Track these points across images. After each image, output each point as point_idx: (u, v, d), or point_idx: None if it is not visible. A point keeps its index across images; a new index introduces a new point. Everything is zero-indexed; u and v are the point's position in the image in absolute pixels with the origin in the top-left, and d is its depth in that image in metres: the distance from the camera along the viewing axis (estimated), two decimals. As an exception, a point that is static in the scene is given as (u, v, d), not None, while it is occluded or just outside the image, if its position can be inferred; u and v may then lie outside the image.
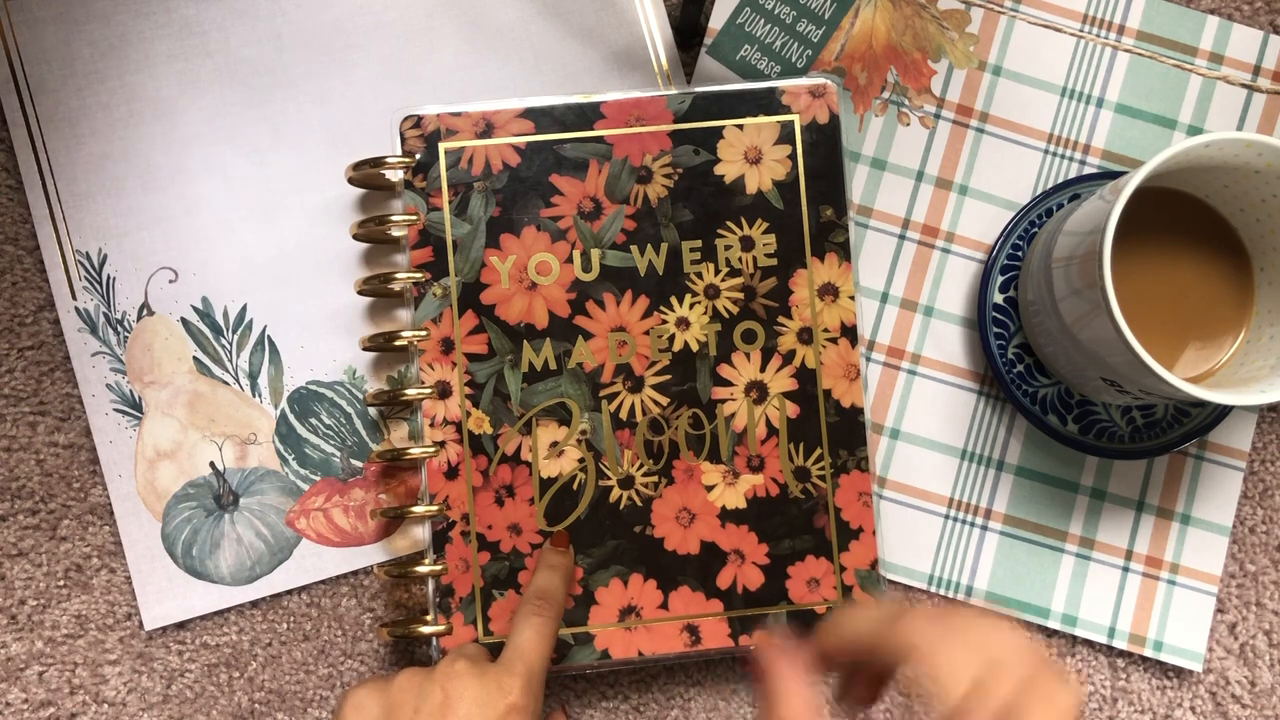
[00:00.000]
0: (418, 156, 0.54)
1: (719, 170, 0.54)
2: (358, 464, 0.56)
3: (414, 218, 0.53)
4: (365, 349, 0.54)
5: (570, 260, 0.54)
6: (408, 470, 0.56)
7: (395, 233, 0.54)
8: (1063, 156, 0.58)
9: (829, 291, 0.54)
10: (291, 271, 0.57)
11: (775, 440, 0.54)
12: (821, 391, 0.54)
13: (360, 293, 0.54)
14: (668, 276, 0.54)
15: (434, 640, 0.53)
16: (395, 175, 0.54)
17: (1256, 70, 0.58)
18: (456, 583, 0.53)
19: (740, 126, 0.54)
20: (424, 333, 0.53)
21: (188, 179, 0.57)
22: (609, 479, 0.54)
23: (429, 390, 0.53)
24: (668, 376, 0.54)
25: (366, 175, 0.54)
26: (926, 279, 0.57)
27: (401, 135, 0.54)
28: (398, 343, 0.53)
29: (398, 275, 0.53)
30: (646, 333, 0.54)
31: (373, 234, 0.54)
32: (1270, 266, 0.51)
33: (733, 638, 0.53)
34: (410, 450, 0.53)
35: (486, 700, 0.45)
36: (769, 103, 0.54)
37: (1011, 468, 0.57)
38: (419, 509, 0.53)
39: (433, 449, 0.53)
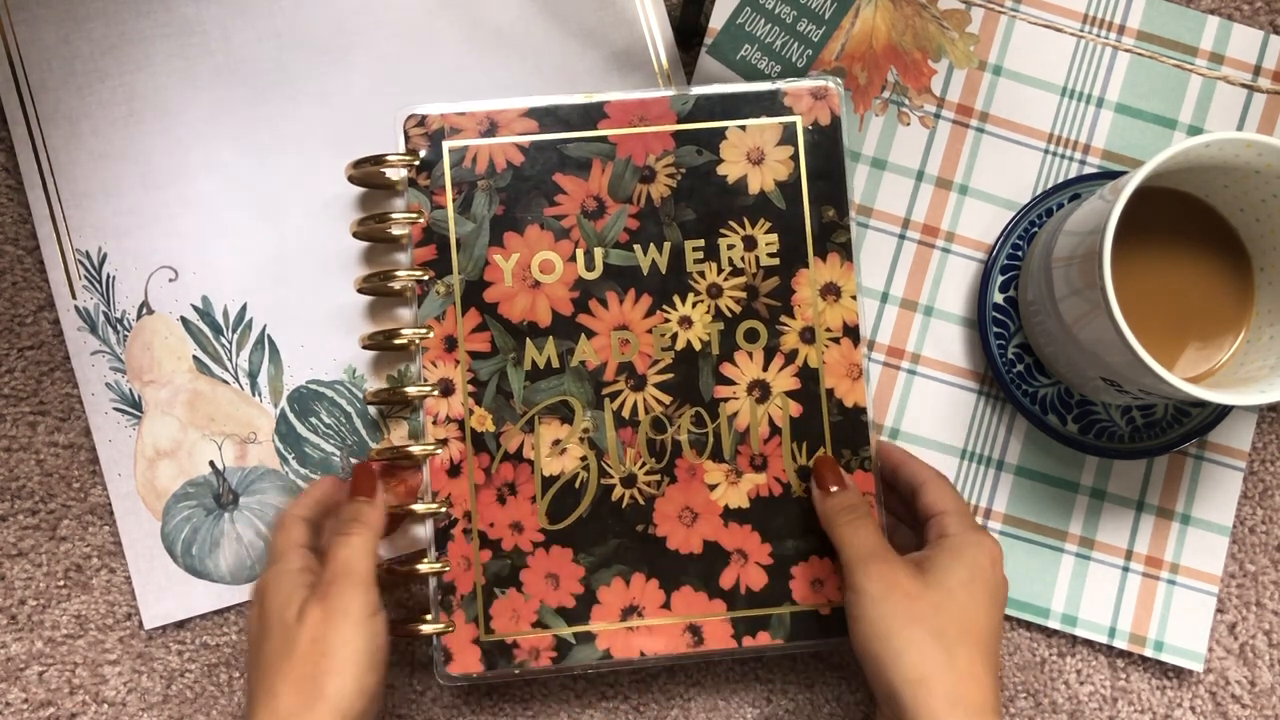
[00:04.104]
0: (421, 154, 0.54)
1: (721, 170, 0.54)
2: (357, 462, 0.56)
3: (415, 215, 0.53)
4: (365, 348, 0.54)
5: (573, 259, 0.54)
6: (408, 470, 0.56)
7: (396, 231, 0.54)
8: (1063, 156, 0.58)
9: (831, 291, 0.54)
10: (291, 270, 0.57)
11: (778, 439, 0.54)
12: (824, 391, 0.54)
13: (360, 291, 0.54)
14: (670, 275, 0.54)
15: (435, 639, 0.53)
16: (397, 173, 0.54)
17: (1257, 70, 0.58)
18: (458, 580, 0.53)
19: (743, 127, 0.55)
20: (425, 330, 0.53)
21: (188, 178, 0.57)
22: (611, 477, 0.54)
23: (429, 388, 0.53)
24: (670, 375, 0.54)
25: (366, 173, 0.54)
26: (926, 279, 0.57)
27: (405, 133, 0.54)
28: (398, 341, 0.53)
29: (399, 273, 0.53)
30: (649, 331, 0.54)
31: (373, 232, 0.54)
32: (1270, 266, 0.51)
33: (735, 639, 0.53)
34: (411, 448, 0.53)
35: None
36: (771, 104, 0.55)
37: (1011, 467, 0.57)
38: (420, 507, 0.53)
39: (432, 446, 0.53)
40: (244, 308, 0.57)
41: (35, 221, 0.57)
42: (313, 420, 0.56)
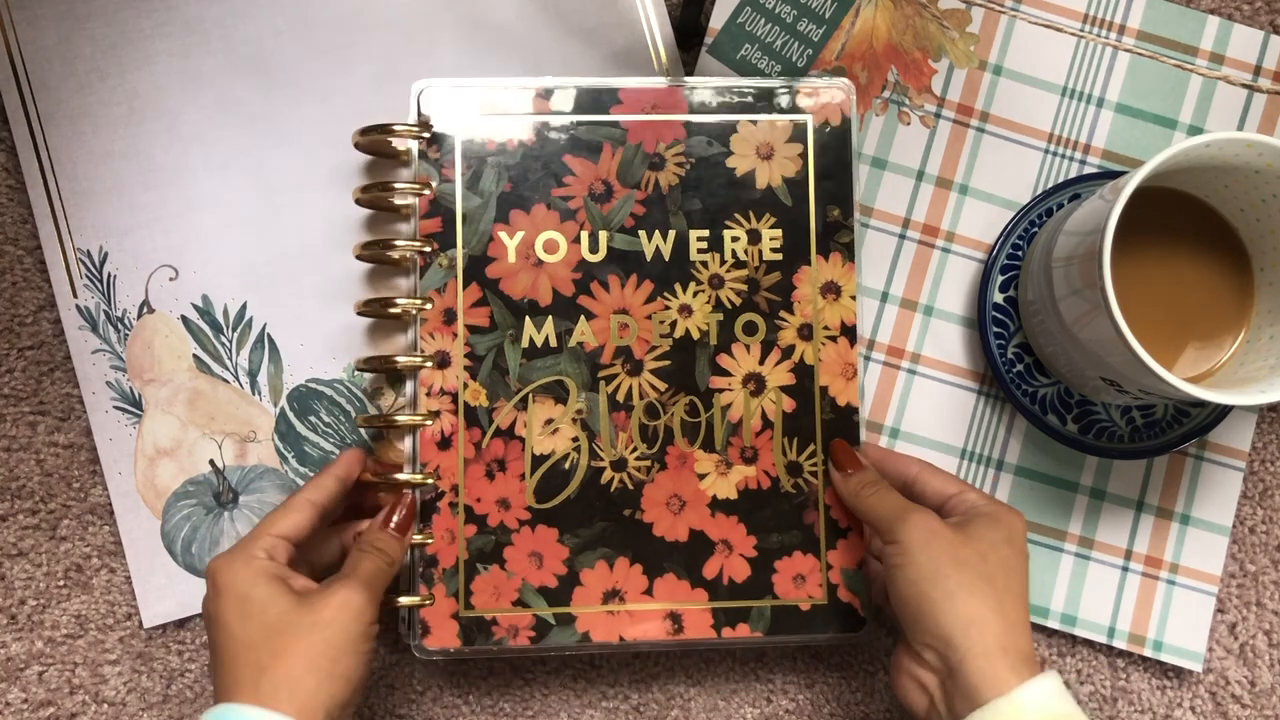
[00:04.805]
0: (434, 128, 0.54)
1: (730, 163, 0.55)
2: (357, 462, 0.56)
3: (421, 186, 0.53)
4: (360, 314, 0.53)
5: (578, 240, 0.54)
6: (398, 464, 0.55)
7: (399, 201, 0.53)
8: (1063, 156, 0.58)
9: (831, 290, 0.55)
10: (291, 270, 0.57)
11: (770, 433, 0.54)
12: (818, 388, 0.54)
13: (359, 257, 0.54)
14: (673, 263, 0.54)
15: (413, 611, 0.52)
16: (404, 145, 0.54)
17: (1257, 70, 0.58)
18: (441, 554, 0.53)
19: (754, 122, 0.55)
20: (420, 300, 0.53)
21: (188, 177, 0.57)
22: (601, 460, 0.54)
23: (419, 358, 0.53)
24: (667, 362, 0.54)
25: (373, 141, 0.54)
26: (926, 278, 0.57)
27: (418, 105, 0.54)
28: (393, 310, 0.53)
29: (400, 242, 0.53)
30: (648, 317, 0.54)
31: (376, 199, 0.54)
32: (1270, 266, 0.51)
33: (715, 629, 0.53)
34: (398, 417, 0.52)
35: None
36: (784, 101, 0.55)
37: (1011, 467, 0.57)
38: (404, 475, 0.52)
39: (421, 417, 0.53)
40: (244, 307, 0.57)
41: (36, 220, 0.57)
42: (312, 419, 0.56)
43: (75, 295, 0.56)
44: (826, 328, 0.54)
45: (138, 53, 0.57)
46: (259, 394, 0.56)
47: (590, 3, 0.59)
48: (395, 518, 0.51)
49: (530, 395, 0.54)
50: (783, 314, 0.54)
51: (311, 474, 0.56)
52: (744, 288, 0.54)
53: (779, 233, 0.55)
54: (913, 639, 0.47)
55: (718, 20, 0.58)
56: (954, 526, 0.47)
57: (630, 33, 0.59)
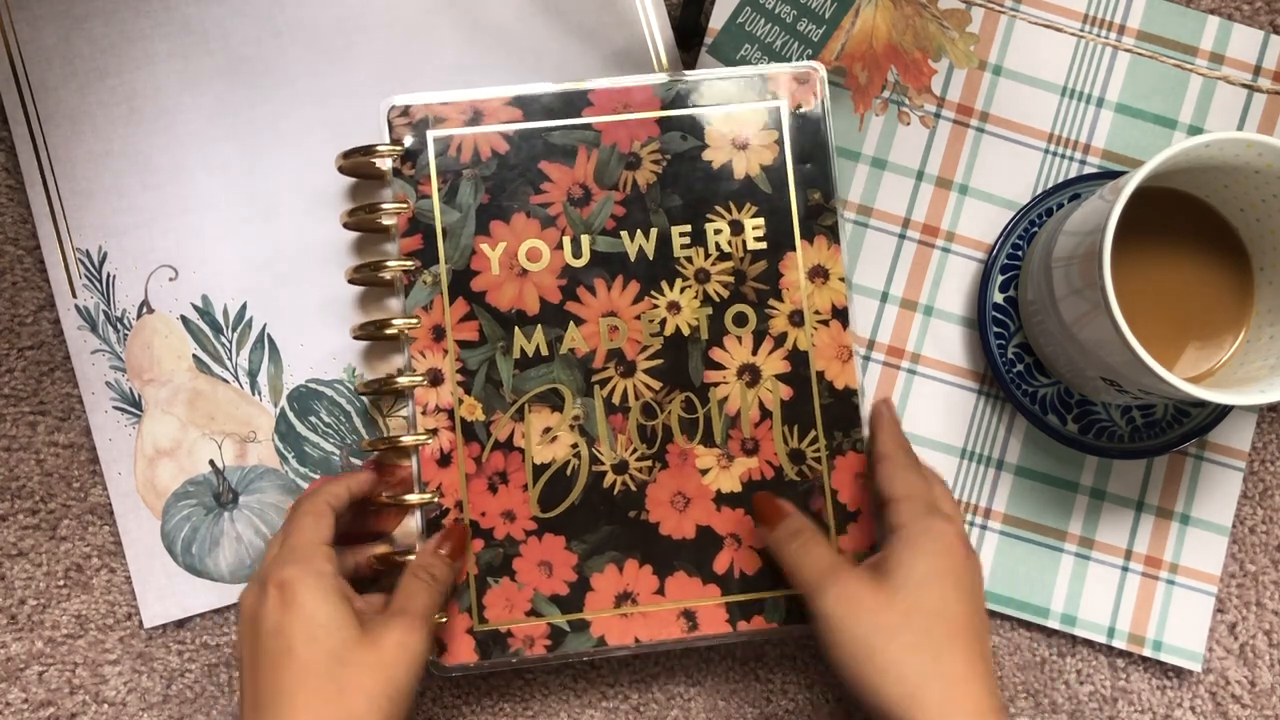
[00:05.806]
0: (406, 144, 0.54)
1: (707, 156, 0.55)
2: (357, 462, 0.56)
3: (404, 205, 0.53)
4: (356, 338, 0.54)
5: (560, 246, 0.54)
6: (405, 468, 0.55)
7: (385, 221, 0.54)
8: (1063, 156, 0.58)
9: (819, 274, 0.54)
10: (291, 270, 0.57)
11: (769, 423, 0.54)
12: (814, 373, 0.54)
13: (351, 281, 0.54)
14: (658, 261, 0.54)
15: None
16: (385, 164, 0.54)
17: (1257, 70, 0.58)
18: None
19: (727, 113, 0.55)
20: (414, 320, 0.53)
21: (188, 177, 0.57)
22: (602, 464, 0.54)
23: (420, 378, 0.53)
24: (660, 361, 0.54)
25: (356, 164, 0.54)
26: (926, 278, 0.57)
27: (390, 124, 0.54)
28: (389, 331, 0.53)
29: (388, 263, 0.53)
30: (638, 318, 0.54)
31: (363, 222, 0.54)
32: (1270, 266, 0.51)
33: (730, 623, 0.53)
34: (403, 438, 0.53)
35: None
36: (755, 89, 0.55)
37: (1011, 467, 0.57)
38: (412, 497, 0.53)
39: (425, 436, 0.53)
40: (244, 307, 0.57)
41: (35, 220, 0.57)
42: (312, 419, 0.56)
43: (74, 295, 0.56)
44: (818, 312, 0.54)
45: (137, 53, 0.57)
46: (259, 394, 0.57)
47: (590, 3, 0.59)
48: (447, 544, 0.51)
49: (526, 405, 0.54)
50: (772, 302, 0.54)
51: (312, 474, 0.56)
52: (731, 279, 0.54)
53: (761, 221, 0.54)
54: (866, 711, 0.46)
55: (718, 20, 0.58)
56: (874, 578, 0.46)
57: (630, 33, 0.59)
